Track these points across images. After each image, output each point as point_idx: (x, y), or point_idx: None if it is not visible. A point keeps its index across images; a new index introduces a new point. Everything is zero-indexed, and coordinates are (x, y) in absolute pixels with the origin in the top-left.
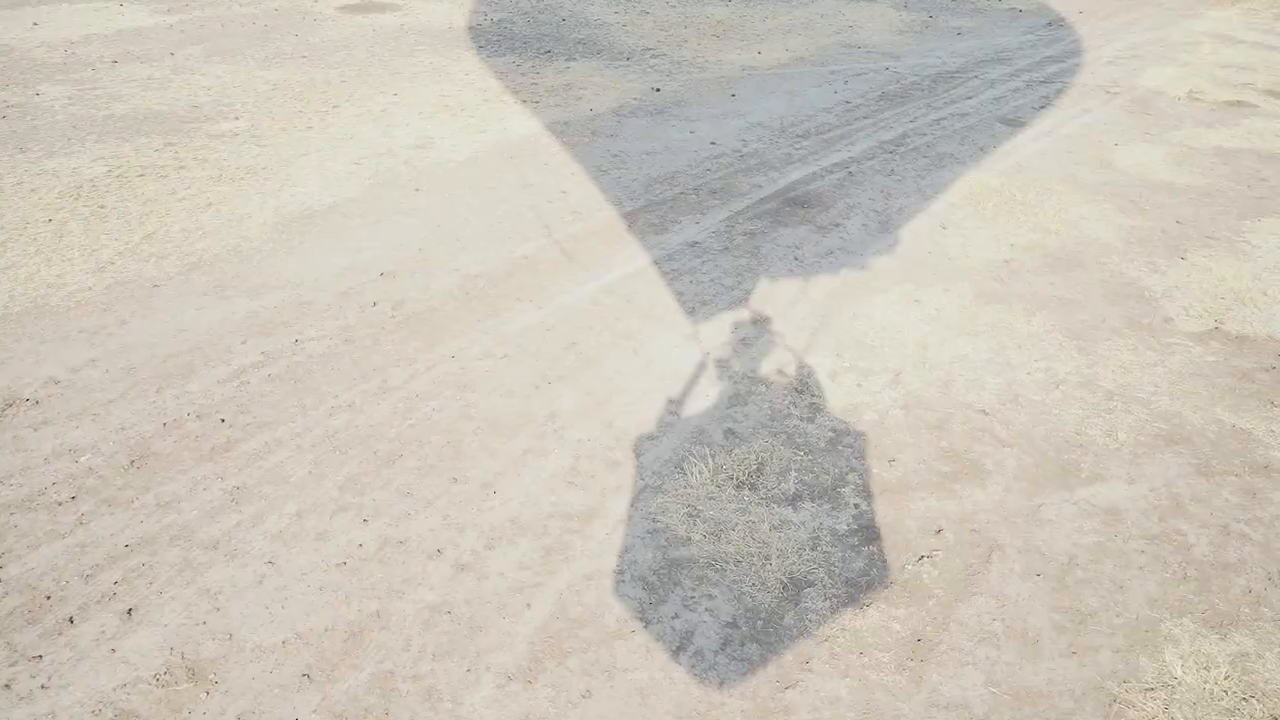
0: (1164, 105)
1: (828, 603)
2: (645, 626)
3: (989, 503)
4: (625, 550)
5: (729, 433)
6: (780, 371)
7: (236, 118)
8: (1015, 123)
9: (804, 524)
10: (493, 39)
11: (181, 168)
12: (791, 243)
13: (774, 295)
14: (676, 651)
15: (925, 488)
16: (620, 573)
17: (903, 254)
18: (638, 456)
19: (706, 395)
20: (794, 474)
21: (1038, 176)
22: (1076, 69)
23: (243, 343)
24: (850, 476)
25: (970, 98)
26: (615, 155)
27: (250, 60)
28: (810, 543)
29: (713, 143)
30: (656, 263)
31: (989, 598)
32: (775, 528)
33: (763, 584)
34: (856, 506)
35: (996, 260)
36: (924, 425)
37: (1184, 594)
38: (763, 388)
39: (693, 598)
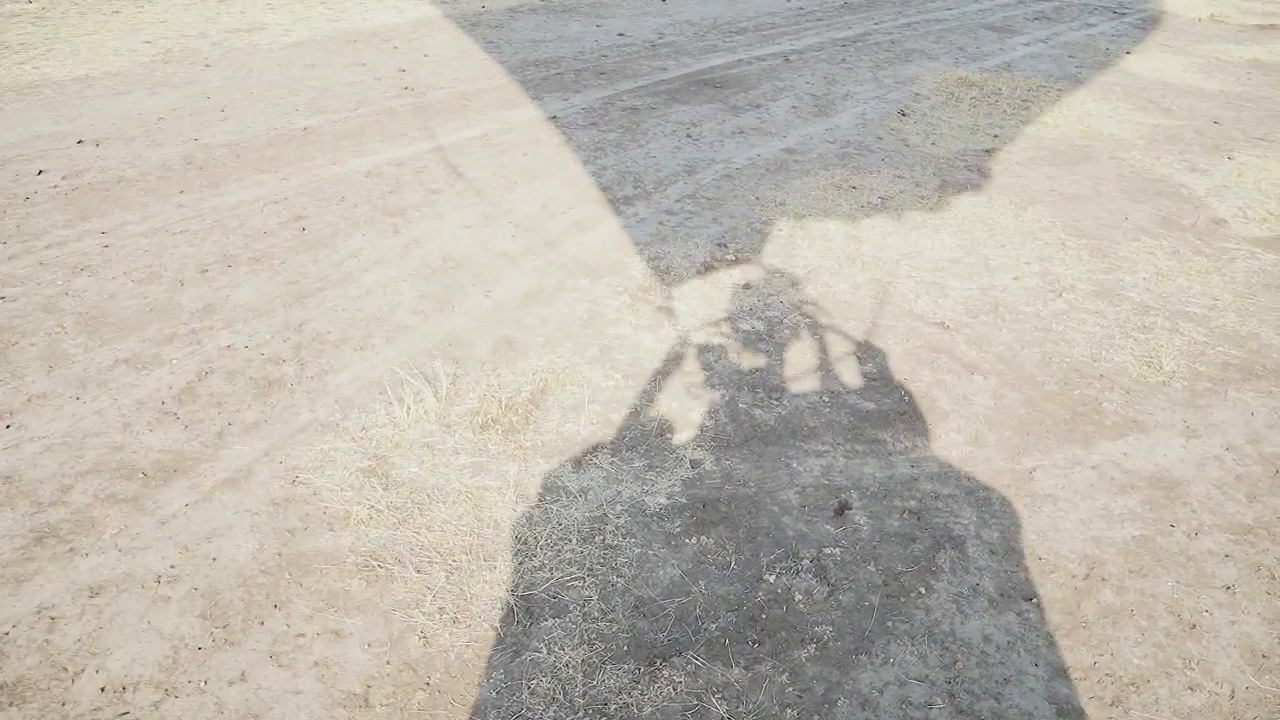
0: (1182, 25)
1: (579, 653)
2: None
3: (943, 463)
4: (208, 536)
5: (506, 343)
6: (623, 263)
7: (30, 1)
8: (1004, 30)
9: (585, 494)
10: None
11: None
12: (688, 120)
13: (644, 173)
14: None
15: (826, 434)
16: (167, 582)
17: (842, 138)
18: (321, 375)
19: (490, 290)
20: (594, 408)
21: (1031, 75)
22: None
23: None
24: (694, 415)
25: (950, 9)
26: (491, 43)
27: None
28: (585, 530)
29: (620, 34)
30: (486, 135)
31: (929, 649)
32: (526, 500)
33: (458, 609)
34: (694, 466)
35: (973, 149)
36: (842, 339)
37: None
38: (586, 282)
39: (301, 636)
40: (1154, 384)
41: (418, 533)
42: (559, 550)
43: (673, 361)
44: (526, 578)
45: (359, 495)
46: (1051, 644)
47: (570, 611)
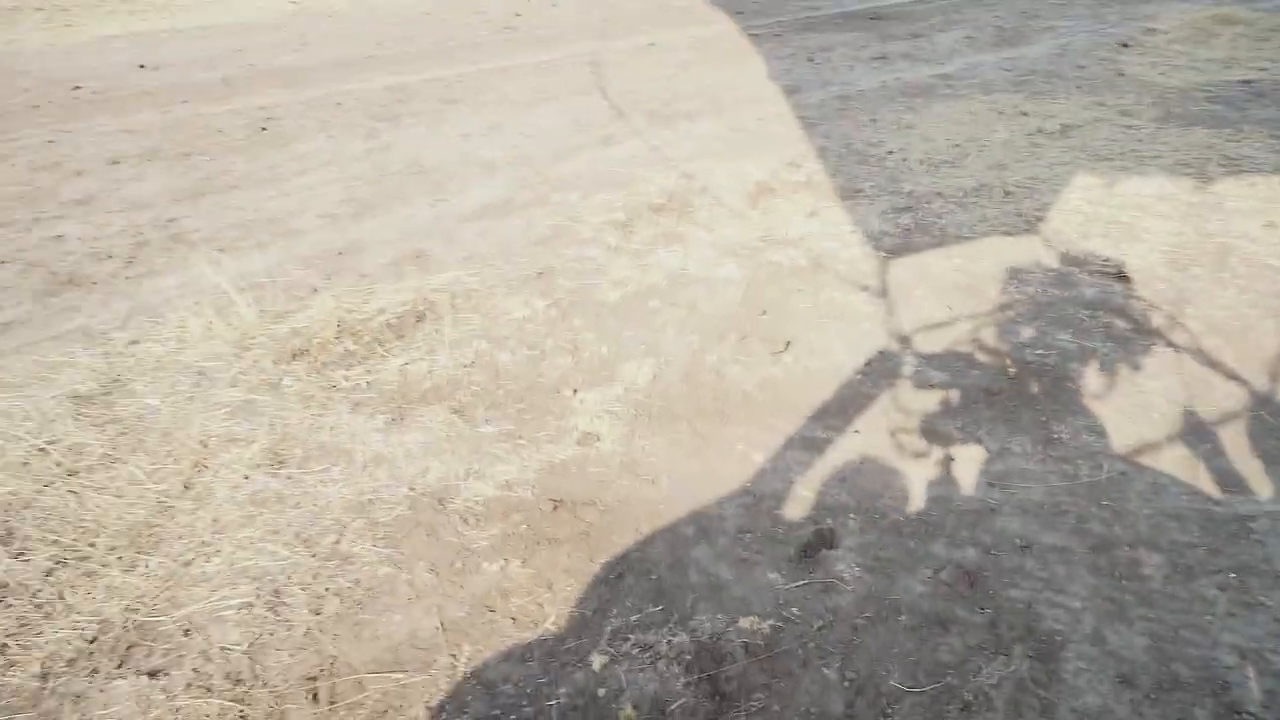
0: None
1: None
2: None
3: (1054, 486)
4: None
5: (415, 257)
6: (638, 178)
7: None
8: None
9: (372, 467)
10: None
11: None
12: (815, 46)
13: (724, 93)
14: None
15: (838, 410)
16: None
17: (1025, 67)
18: (144, 277)
19: (441, 199)
20: (477, 345)
21: None
22: None
23: None
24: (628, 366)
25: None
26: None
27: None
28: (322, 523)
29: None
30: (554, 60)
31: None
32: (279, 462)
33: (24, 642)
34: (584, 441)
35: (1223, 80)
36: (934, 281)
37: None
38: (575, 197)
39: None
40: None
41: (62, 497)
42: (261, 549)
43: (641, 295)
44: (177, 593)
45: (38, 429)
46: None
47: (183, 665)
